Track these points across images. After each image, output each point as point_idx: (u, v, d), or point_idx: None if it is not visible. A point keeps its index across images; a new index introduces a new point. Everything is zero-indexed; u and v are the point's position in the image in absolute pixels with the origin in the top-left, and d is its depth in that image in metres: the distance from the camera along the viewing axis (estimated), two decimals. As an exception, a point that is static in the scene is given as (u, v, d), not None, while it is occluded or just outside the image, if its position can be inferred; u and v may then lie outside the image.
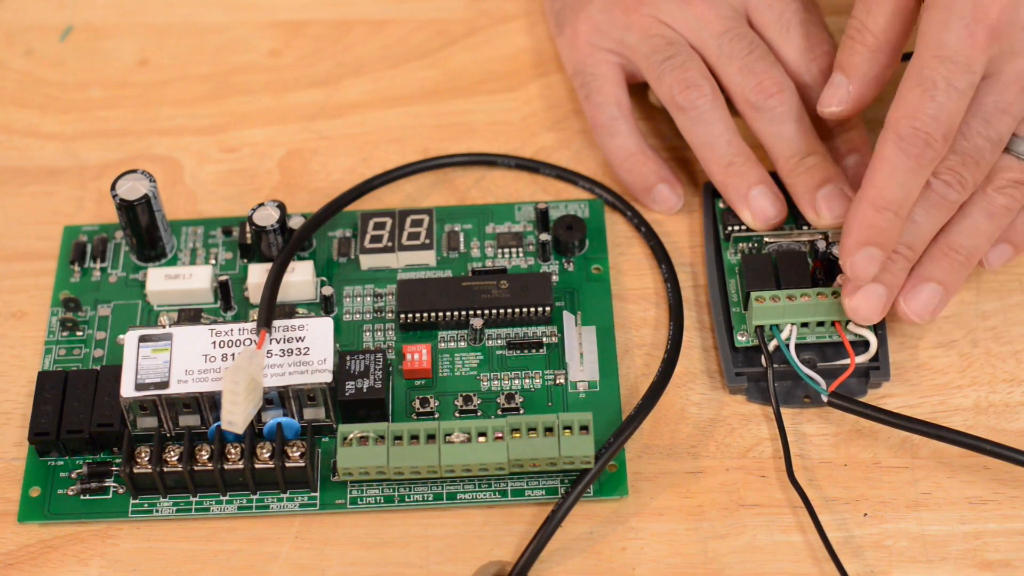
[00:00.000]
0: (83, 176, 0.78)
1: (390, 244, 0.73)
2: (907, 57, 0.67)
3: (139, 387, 0.66)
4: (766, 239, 0.71)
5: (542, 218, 0.73)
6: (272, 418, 0.67)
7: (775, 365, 0.68)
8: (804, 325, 0.69)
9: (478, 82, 0.80)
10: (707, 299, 0.72)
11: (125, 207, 0.71)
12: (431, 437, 0.65)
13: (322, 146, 0.78)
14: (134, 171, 0.72)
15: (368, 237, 0.73)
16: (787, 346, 0.68)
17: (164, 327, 0.68)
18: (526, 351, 0.70)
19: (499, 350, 0.70)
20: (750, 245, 0.72)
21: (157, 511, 0.66)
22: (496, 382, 0.69)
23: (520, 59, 0.81)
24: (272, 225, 0.71)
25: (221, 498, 0.66)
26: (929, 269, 0.67)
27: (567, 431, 0.65)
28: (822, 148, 0.71)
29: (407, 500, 0.66)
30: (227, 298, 0.71)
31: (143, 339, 0.67)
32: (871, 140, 0.74)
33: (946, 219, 0.67)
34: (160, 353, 0.67)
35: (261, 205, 0.72)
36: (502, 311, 0.70)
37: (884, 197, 0.64)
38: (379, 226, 0.73)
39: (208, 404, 0.66)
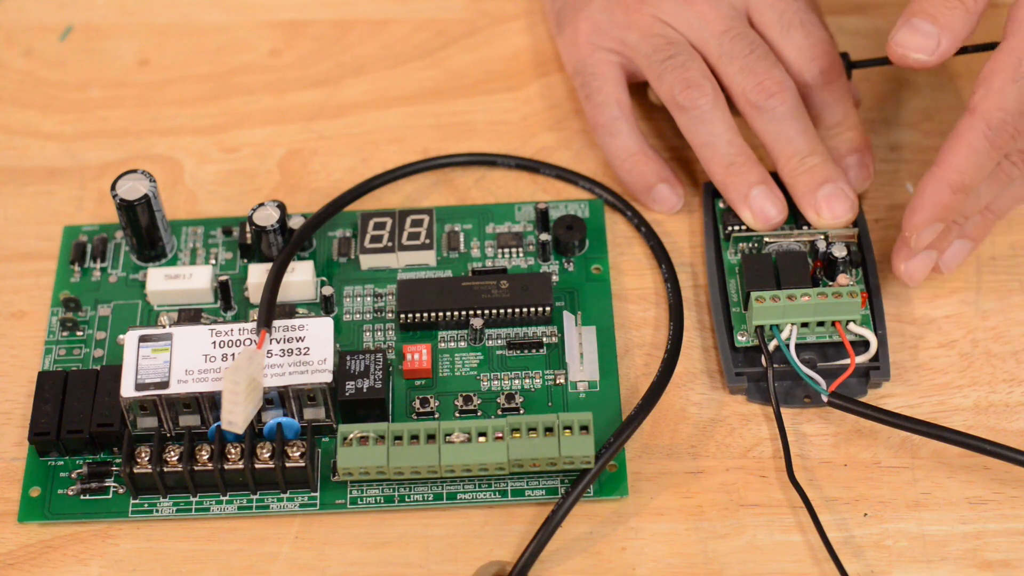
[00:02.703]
0: (83, 176, 0.78)
1: (390, 244, 0.73)
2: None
3: (139, 387, 0.66)
4: (766, 239, 0.71)
5: (542, 218, 0.73)
6: (272, 418, 0.67)
7: (775, 365, 0.68)
8: (804, 325, 0.69)
9: (478, 82, 0.80)
10: (707, 299, 0.72)
11: (125, 207, 0.71)
12: (431, 437, 0.65)
13: (322, 146, 0.78)
14: (134, 171, 0.72)
15: (368, 237, 0.73)
16: (787, 346, 0.68)
17: (164, 327, 0.68)
18: (526, 351, 0.70)
19: (499, 350, 0.70)
20: (750, 245, 0.72)
21: (157, 511, 0.66)
22: (496, 382, 0.69)
23: (520, 59, 0.81)
24: (272, 225, 0.71)
25: (221, 498, 0.66)
26: (965, 227, 0.70)
27: (567, 431, 0.65)
28: (823, 148, 0.71)
29: (407, 500, 0.66)
30: (227, 298, 0.71)
31: (143, 339, 0.67)
32: (870, 141, 0.74)
33: (1000, 192, 0.69)
34: (160, 353, 0.67)
35: (261, 205, 0.72)
36: (502, 311, 0.70)
37: (963, 181, 0.65)
38: (379, 226, 0.73)
39: (208, 404, 0.66)
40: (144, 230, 0.72)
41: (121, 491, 0.67)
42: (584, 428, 0.65)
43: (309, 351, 0.67)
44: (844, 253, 0.69)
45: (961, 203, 0.66)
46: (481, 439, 0.65)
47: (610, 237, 0.74)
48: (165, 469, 0.65)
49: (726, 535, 0.65)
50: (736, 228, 0.72)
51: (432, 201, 0.76)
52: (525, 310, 0.70)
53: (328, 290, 0.71)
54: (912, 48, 0.66)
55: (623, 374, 0.70)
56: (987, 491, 0.66)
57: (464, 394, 0.69)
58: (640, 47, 0.74)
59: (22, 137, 0.79)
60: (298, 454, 0.66)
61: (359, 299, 0.72)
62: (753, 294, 0.68)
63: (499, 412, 0.68)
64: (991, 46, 0.71)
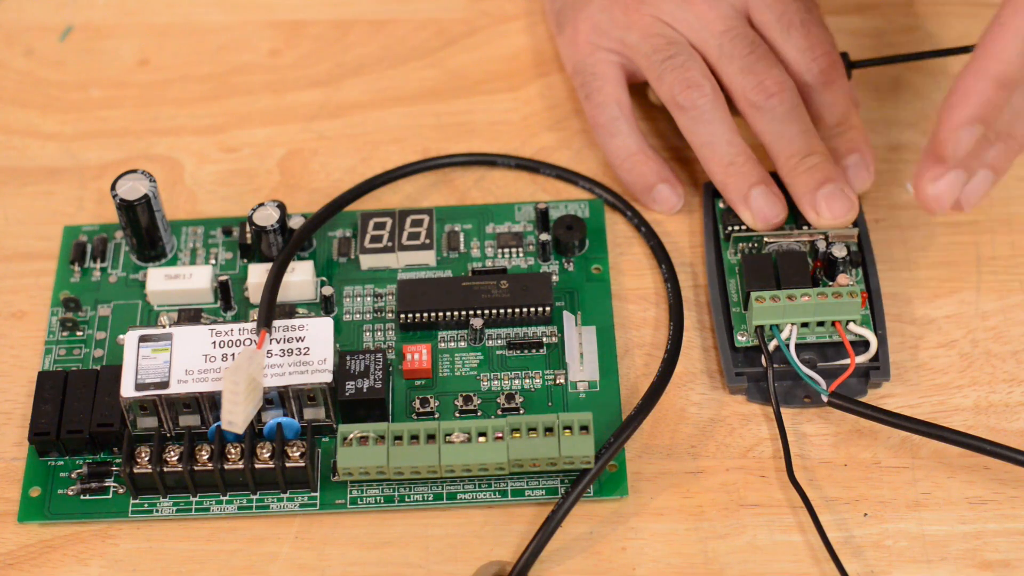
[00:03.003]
0: (83, 176, 0.78)
1: (390, 244, 0.73)
2: None
3: (139, 387, 0.66)
4: (766, 239, 0.71)
5: (542, 218, 0.73)
6: (272, 418, 0.67)
7: (775, 365, 0.68)
8: (804, 325, 0.69)
9: (478, 82, 0.80)
10: (707, 299, 0.72)
11: (125, 207, 0.71)
12: (431, 437, 0.65)
13: (322, 146, 0.78)
14: (134, 171, 0.72)
15: (368, 237, 0.73)
16: (787, 346, 0.68)
17: (164, 327, 0.68)
18: (526, 351, 0.70)
19: (499, 350, 0.70)
20: (750, 245, 0.72)
21: (157, 511, 0.66)
22: (496, 382, 0.69)
23: (520, 59, 0.81)
24: (272, 225, 0.71)
25: (221, 498, 0.66)
26: (988, 157, 0.64)
27: (567, 431, 0.65)
28: (822, 148, 0.71)
29: (407, 500, 0.66)
30: (227, 298, 0.71)
31: (143, 339, 0.67)
32: (870, 141, 0.74)
33: None
34: (160, 353, 0.67)
35: (261, 205, 0.72)
36: (502, 311, 0.70)
37: (1009, 73, 0.59)
38: (379, 226, 0.73)
39: (208, 404, 0.66)
40: (144, 230, 0.72)
41: (121, 491, 0.67)
42: (584, 428, 0.65)
43: (309, 351, 0.67)
44: (844, 253, 0.69)
45: (1003, 102, 0.60)
46: (481, 439, 0.65)
47: (610, 237, 0.74)
48: (165, 469, 0.65)
49: (726, 535, 0.65)
50: (736, 228, 0.72)
51: (432, 201, 0.76)
52: (525, 310, 0.70)
53: (328, 290, 0.71)
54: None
55: (623, 374, 0.70)
56: (987, 491, 0.66)
57: (464, 394, 0.69)
58: (640, 47, 0.74)
59: (22, 137, 0.79)
60: (298, 454, 0.66)
61: (359, 299, 0.72)
62: (753, 294, 0.68)
63: (499, 412, 0.68)
64: None
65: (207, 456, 0.65)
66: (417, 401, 0.68)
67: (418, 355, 0.69)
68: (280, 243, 0.72)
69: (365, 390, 0.67)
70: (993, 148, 0.64)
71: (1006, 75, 0.59)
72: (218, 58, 0.82)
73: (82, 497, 0.67)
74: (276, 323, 0.67)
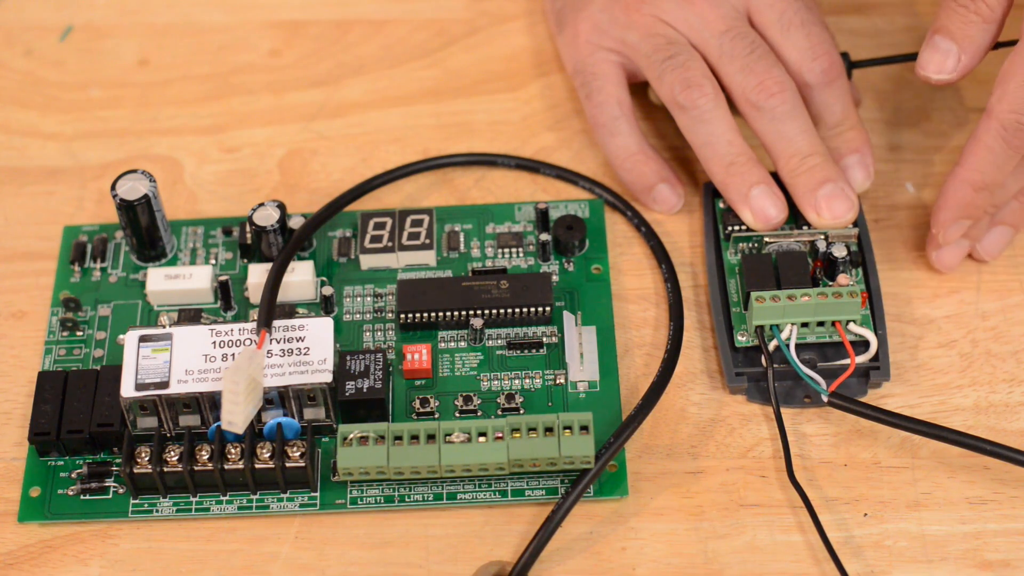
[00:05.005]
0: (83, 176, 0.78)
1: (390, 244, 0.73)
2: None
3: (139, 387, 0.66)
4: (766, 239, 0.71)
5: (542, 218, 0.73)
6: (272, 418, 0.67)
7: (775, 365, 0.68)
8: (804, 325, 0.69)
9: (478, 82, 0.80)
10: (707, 299, 0.72)
11: (125, 207, 0.71)
12: (431, 437, 0.65)
13: (322, 146, 0.78)
14: (134, 171, 0.72)
15: (368, 237, 0.73)
16: (787, 346, 0.68)
17: (164, 327, 0.68)
18: (526, 351, 0.70)
19: (499, 350, 0.70)
20: (750, 245, 0.72)
21: (157, 511, 0.66)
22: (496, 382, 0.69)
23: (520, 59, 0.81)
24: (272, 225, 0.71)
25: (221, 498, 0.66)
26: (1003, 214, 0.72)
27: (567, 431, 0.65)
28: (823, 148, 0.71)
29: (407, 500, 0.66)
30: (227, 298, 0.71)
31: (143, 339, 0.67)
32: (870, 140, 0.74)
33: None
34: (160, 353, 0.67)
35: (261, 205, 0.72)
36: (502, 311, 0.70)
37: (984, 180, 0.68)
38: (379, 226, 0.73)
39: (208, 404, 0.66)
40: (144, 230, 0.72)
41: (121, 491, 0.67)
42: (584, 428, 0.65)
43: (309, 351, 0.67)
44: (844, 253, 0.69)
45: (986, 199, 0.69)
46: (481, 439, 0.65)
47: (610, 237, 0.74)
48: (165, 469, 0.65)
49: (726, 535, 0.65)
50: (736, 228, 0.72)
51: (432, 201, 0.76)
52: (525, 310, 0.70)
53: (328, 290, 0.71)
54: (933, 69, 0.68)
55: (623, 374, 0.70)
56: (987, 491, 0.66)
57: (464, 394, 0.69)
58: (640, 47, 0.74)
59: (22, 137, 0.79)
60: (298, 454, 0.66)
61: (359, 299, 0.72)
62: (753, 294, 0.68)
63: (499, 412, 0.68)
64: (1003, 45, 0.71)
65: (207, 456, 0.65)
66: (417, 401, 0.68)
67: (418, 355, 0.69)
68: (280, 243, 0.72)
69: (365, 390, 0.67)
70: (1008, 206, 0.71)
71: (983, 183, 0.68)
72: (218, 58, 0.82)
73: (82, 497, 0.67)
74: (276, 323, 0.67)
